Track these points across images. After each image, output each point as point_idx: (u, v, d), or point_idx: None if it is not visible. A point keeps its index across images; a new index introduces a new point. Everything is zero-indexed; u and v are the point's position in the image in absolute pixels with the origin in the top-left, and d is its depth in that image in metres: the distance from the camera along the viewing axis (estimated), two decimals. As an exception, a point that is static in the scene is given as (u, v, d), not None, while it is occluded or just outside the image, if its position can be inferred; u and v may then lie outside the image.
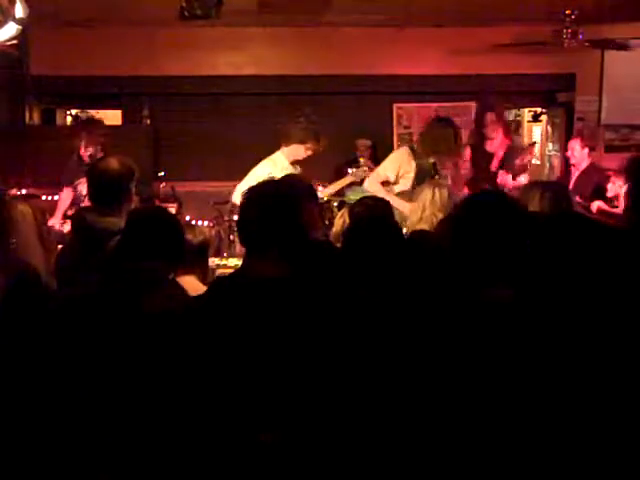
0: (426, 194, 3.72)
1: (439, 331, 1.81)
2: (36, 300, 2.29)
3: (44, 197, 5.89)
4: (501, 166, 5.54)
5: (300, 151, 4.77)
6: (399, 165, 4.66)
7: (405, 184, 4.63)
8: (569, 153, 5.78)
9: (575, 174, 5.73)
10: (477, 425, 1.68)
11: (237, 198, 5.02)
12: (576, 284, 1.74)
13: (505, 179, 5.41)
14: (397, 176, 4.68)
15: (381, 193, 4.46)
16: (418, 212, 3.68)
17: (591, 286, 1.73)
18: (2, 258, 2.29)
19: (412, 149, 4.66)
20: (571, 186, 5.64)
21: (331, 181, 6.31)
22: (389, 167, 4.73)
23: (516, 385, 1.67)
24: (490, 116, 5.66)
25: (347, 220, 3.33)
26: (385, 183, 4.71)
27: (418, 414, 1.72)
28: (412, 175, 4.58)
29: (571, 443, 1.62)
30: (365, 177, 5.04)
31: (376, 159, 6.89)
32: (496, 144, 5.64)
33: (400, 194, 4.58)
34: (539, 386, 1.66)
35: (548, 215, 3.13)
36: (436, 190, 3.70)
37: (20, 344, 2.06)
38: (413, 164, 4.60)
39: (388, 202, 3.51)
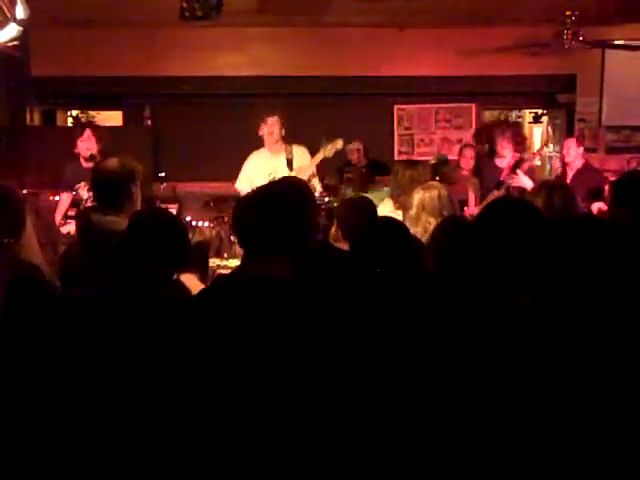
0: (415, 199, 3.68)
1: (442, 332, 1.81)
2: (39, 300, 2.29)
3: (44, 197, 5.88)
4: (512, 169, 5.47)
5: (265, 134, 5.21)
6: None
7: None
8: (564, 152, 5.78)
9: (569, 174, 5.73)
10: (487, 429, 1.67)
11: (239, 188, 5.31)
12: (595, 288, 1.73)
13: (521, 180, 5.27)
14: None
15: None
16: (413, 218, 3.63)
17: (609, 289, 1.73)
18: (6, 257, 2.29)
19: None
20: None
21: (331, 181, 6.33)
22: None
23: (533, 389, 1.66)
24: (501, 139, 5.58)
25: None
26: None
27: (419, 417, 1.72)
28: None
29: (588, 443, 1.61)
30: (335, 151, 5.18)
31: (368, 161, 6.94)
32: (506, 161, 5.59)
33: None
34: (557, 391, 1.65)
35: (562, 218, 3.13)
36: (425, 194, 3.65)
37: (22, 344, 2.06)
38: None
39: (371, 201, 3.48)
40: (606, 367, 1.65)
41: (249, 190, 4.74)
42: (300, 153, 5.25)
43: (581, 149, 5.71)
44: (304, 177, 5.06)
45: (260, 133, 5.23)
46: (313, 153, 5.22)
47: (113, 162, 3.09)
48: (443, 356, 1.76)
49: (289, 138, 5.32)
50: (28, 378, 2.02)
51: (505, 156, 5.53)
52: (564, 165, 5.91)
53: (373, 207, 3.40)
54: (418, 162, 4.66)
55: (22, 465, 1.93)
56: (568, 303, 1.73)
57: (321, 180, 5.45)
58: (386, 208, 4.45)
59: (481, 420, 1.68)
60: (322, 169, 5.48)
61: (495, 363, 1.70)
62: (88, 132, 5.11)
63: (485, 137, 6.32)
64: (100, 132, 5.31)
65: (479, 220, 2.00)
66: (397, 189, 4.40)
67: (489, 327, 1.74)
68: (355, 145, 7.09)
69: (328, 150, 5.13)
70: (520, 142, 5.79)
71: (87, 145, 5.06)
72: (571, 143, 5.76)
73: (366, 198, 3.58)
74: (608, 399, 1.62)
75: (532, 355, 1.68)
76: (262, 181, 4.93)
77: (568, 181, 5.65)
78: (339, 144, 5.18)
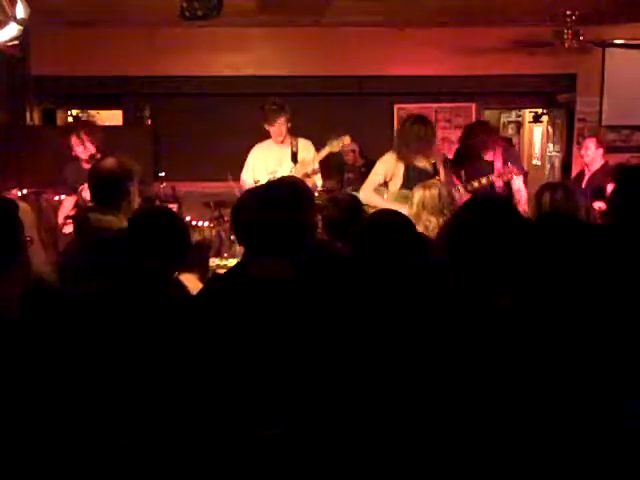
0: (416, 198, 3.69)
1: (439, 333, 1.81)
2: (52, 300, 2.30)
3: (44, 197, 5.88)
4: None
5: (274, 134, 5.20)
6: (386, 168, 4.79)
7: (395, 184, 4.76)
8: (583, 152, 5.72)
9: (587, 174, 5.70)
10: (474, 429, 1.68)
11: (243, 179, 5.36)
12: (571, 287, 1.74)
13: (519, 186, 5.22)
14: (385, 179, 4.81)
15: (375, 200, 4.62)
16: (414, 216, 3.64)
17: (586, 288, 1.74)
18: (19, 259, 2.30)
19: (396, 152, 4.76)
20: (584, 185, 5.61)
21: (330, 182, 6.35)
22: (378, 172, 4.85)
23: (517, 391, 1.66)
24: (485, 142, 5.50)
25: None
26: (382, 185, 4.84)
27: (417, 414, 1.72)
28: (400, 176, 4.73)
29: (570, 444, 1.62)
30: (342, 146, 5.25)
31: (366, 161, 6.95)
32: (490, 156, 5.52)
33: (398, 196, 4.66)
34: (540, 392, 1.65)
35: (537, 219, 3.14)
36: (426, 192, 3.66)
37: (36, 344, 2.06)
38: (400, 166, 4.70)
39: (355, 198, 3.52)
40: (586, 367, 1.66)
41: (252, 182, 4.78)
42: (305, 146, 5.27)
43: (600, 150, 5.63)
44: (306, 171, 5.11)
45: (267, 129, 5.24)
46: (317, 151, 5.25)
47: (110, 161, 3.11)
48: (441, 356, 1.76)
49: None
50: (30, 377, 2.02)
51: (490, 157, 5.46)
52: (570, 165, 5.87)
53: (358, 204, 3.40)
54: (427, 120, 4.72)
55: (23, 461, 1.93)
56: (548, 305, 1.74)
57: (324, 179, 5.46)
58: (367, 195, 4.63)
59: (478, 420, 1.68)
60: (321, 169, 5.48)
61: (483, 364, 1.71)
62: (83, 135, 5.08)
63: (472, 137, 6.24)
64: (96, 132, 5.29)
65: (455, 220, 1.98)
66: (401, 143, 4.61)
67: (474, 328, 1.75)
68: (350, 146, 7.10)
69: (335, 145, 5.15)
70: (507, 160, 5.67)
71: (83, 148, 5.05)
72: (590, 143, 5.67)
73: (350, 195, 3.60)
74: (590, 399, 1.63)
75: (513, 357, 1.69)
76: (266, 173, 5.05)
77: (585, 181, 5.62)
78: (347, 140, 5.20)
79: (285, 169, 5.13)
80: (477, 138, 5.43)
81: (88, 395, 1.94)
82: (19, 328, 2.01)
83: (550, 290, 1.76)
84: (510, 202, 2.26)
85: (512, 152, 5.87)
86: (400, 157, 4.69)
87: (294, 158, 5.21)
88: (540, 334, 1.70)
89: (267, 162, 5.26)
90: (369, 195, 4.72)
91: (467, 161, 5.58)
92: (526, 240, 1.83)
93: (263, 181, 4.89)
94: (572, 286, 1.75)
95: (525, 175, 5.56)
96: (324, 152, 5.16)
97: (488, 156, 5.43)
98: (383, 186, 4.83)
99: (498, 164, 5.37)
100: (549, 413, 1.64)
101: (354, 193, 4.52)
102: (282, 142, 5.24)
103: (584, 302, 1.73)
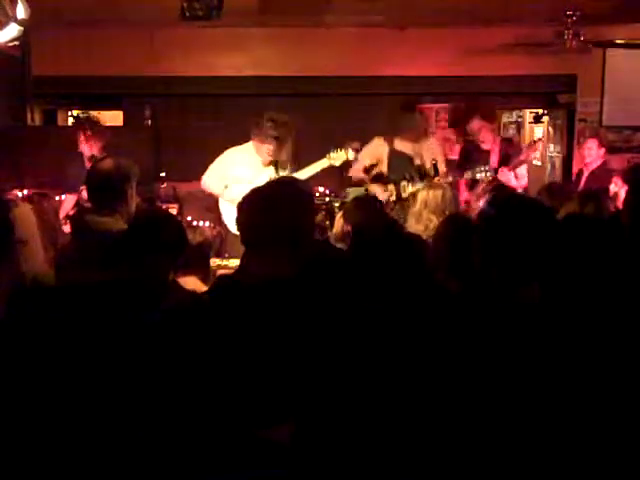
0: (421, 196, 3.73)
1: (445, 331, 1.81)
2: (43, 299, 2.30)
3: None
4: (501, 163, 5.47)
5: (261, 150, 5.11)
6: (372, 152, 5.36)
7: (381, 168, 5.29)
8: (585, 152, 5.74)
9: (585, 174, 5.71)
10: (499, 424, 1.67)
11: (207, 181, 5.30)
12: (599, 284, 1.74)
13: (507, 176, 5.30)
14: (372, 161, 5.34)
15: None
16: (416, 214, 3.69)
17: (614, 285, 1.74)
18: (7, 261, 2.30)
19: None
20: (582, 186, 5.62)
21: (330, 182, 6.34)
22: (365, 155, 5.38)
23: (542, 387, 1.66)
24: (476, 122, 5.65)
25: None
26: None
27: (428, 415, 1.72)
28: (385, 160, 5.27)
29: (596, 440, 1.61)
30: (342, 160, 5.32)
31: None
32: (488, 145, 5.62)
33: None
34: (566, 389, 1.65)
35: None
36: (430, 192, 3.70)
37: (24, 344, 2.06)
38: (385, 149, 5.26)
39: (380, 202, 3.56)
40: (610, 366, 1.65)
41: (219, 188, 4.70)
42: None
43: (602, 150, 5.68)
44: None
45: (258, 151, 5.12)
46: (311, 158, 5.22)
47: (107, 163, 3.11)
48: (447, 355, 1.76)
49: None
50: (17, 377, 2.02)
51: (485, 139, 5.55)
52: (570, 165, 5.91)
53: (383, 208, 3.46)
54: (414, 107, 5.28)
55: (21, 465, 1.92)
56: (575, 301, 1.74)
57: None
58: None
59: (484, 420, 1.68)
60: (321, 171, 5.46)
61: (500, 362, 1.70)
62: (87, 134, 5.12)
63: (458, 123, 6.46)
64: (101, 131, 5.32)
65: (487, 218, 1.99)
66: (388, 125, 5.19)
67: (494, 326, 1.75)
68: (354, 145, 7.10)
69: (333, 158, 5.13)
70: (491, 119, 5.78)
71: (87, 146, 5.08)
72: (592, 144, 5.71)
73: (374, 197, 3.65)
74: (612, 398, 1.62)
75: (537, 354, 1.68)
76: (244, 181, 4.84)
77: (584, 181, 5.64)
78: (350, 154, 5.19)
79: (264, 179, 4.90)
80: (473, 122, 5.56)
81: (83, 398, 1.94)
82: (4, 327, 2.01)
83: (574, 286, 1.76)
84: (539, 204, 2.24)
85: (513, 144, 5.97)
86: (385, 139, 5.24)
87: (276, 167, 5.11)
88: (566, 332, 1.69)
89: (245, 170, 5.11)
90: (357, 175, 5.31)
91: (468, 149, 5.68)
92: (553, 238, 1.83)
93: (237, 188, 4.69)
94: (594, 283, 1.75)
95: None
96: (319, 165, 5.14)
97: (485, 145, 5.49)
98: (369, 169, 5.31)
99: (496, 152, 5.42)
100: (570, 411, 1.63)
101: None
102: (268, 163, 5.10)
103: (605, 298, 1.73)
